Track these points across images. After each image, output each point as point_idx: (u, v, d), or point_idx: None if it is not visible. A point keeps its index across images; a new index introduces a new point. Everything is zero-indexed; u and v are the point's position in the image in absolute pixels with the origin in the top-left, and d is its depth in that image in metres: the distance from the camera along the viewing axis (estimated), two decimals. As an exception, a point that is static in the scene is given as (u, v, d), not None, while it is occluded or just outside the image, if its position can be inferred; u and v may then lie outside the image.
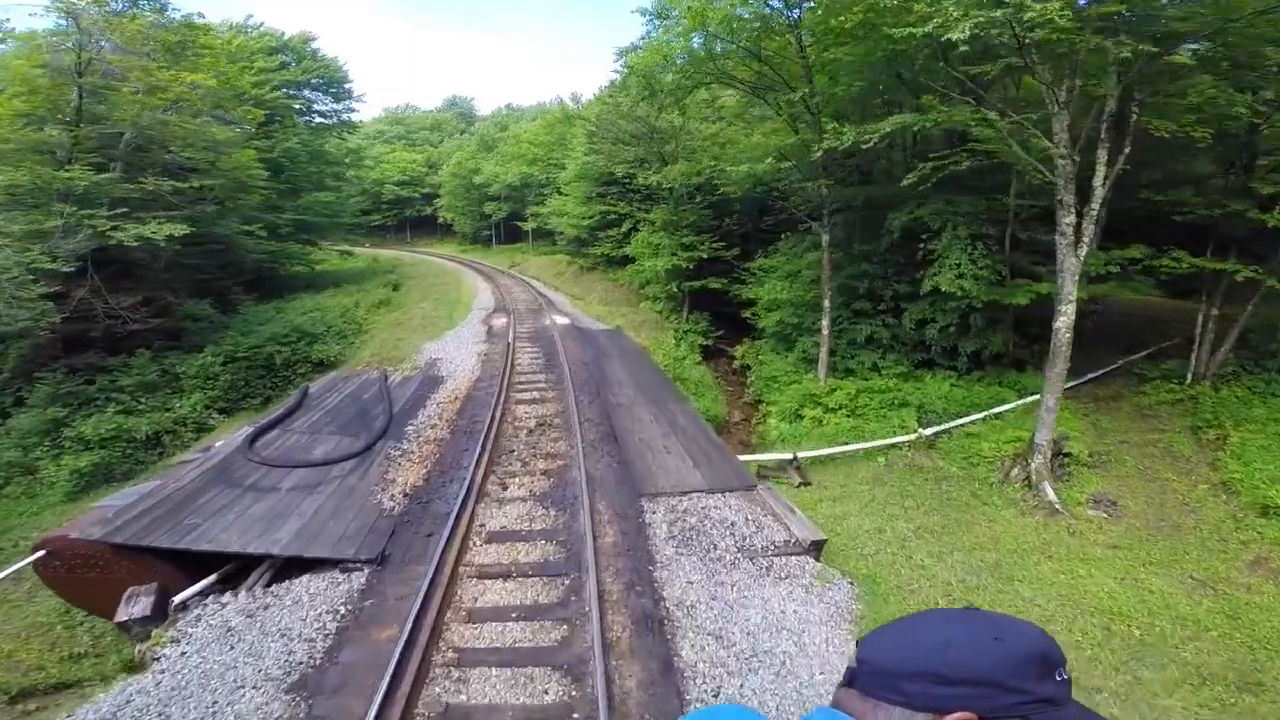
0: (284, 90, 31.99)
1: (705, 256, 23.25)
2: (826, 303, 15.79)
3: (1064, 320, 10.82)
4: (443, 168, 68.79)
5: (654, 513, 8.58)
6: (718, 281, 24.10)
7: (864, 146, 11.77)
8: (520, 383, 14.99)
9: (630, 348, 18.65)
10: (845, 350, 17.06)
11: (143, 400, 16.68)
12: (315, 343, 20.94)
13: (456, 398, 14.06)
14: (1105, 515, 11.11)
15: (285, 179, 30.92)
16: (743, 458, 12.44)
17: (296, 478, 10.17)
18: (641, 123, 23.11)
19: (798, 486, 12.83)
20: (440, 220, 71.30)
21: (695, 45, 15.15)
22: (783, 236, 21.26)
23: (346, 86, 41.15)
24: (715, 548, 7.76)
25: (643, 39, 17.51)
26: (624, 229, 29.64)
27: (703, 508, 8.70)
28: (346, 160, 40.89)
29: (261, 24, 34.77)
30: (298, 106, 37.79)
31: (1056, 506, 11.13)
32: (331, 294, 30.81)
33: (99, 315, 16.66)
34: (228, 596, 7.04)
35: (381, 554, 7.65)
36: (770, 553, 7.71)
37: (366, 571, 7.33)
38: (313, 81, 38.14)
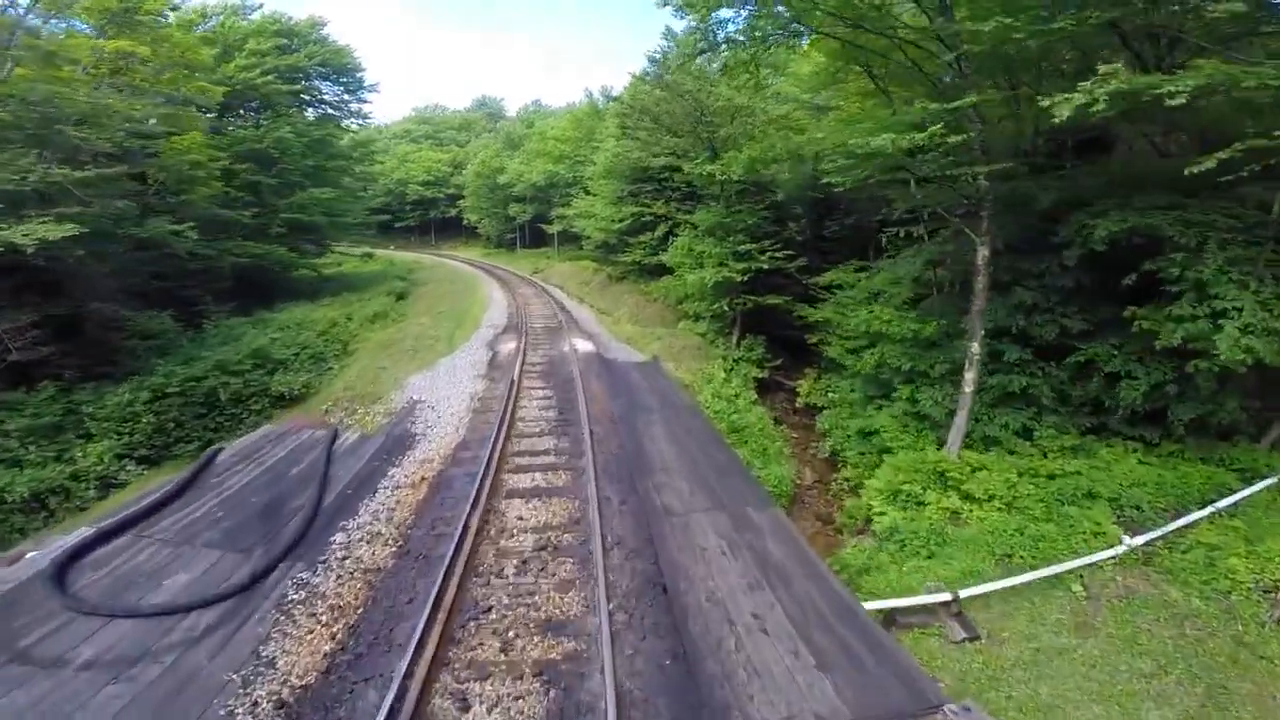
0: (278, 75, 28.31)
1: (765, 268, 18.46)
2: (975, 347, 10.86)
3: None
4: (467, 167, 65.50)
5: None
6: (778, 298, 19.29)
7: (1096, 114, 6.97)
8: (520, 453, 10.46)
9: (675, 394, 13.98)
10: (983, 410, 12.07)
11: (32, 448, 12.68)
12: (277, 371, 16.84)
13: (424, 479, 9.60)
14: None
15: (276, 173, 27.21)
16: (873, 605, 7.72)
17: (113, 637, 5.94)
18: (688, 100, 18.46)
19: (960, 643, 8.00)
20: (465, 222, 67.88)
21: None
22: (883, 245, 16.29)
23: (358, 76, 37.63)
24: None
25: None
26: (659, 233, 25.07)
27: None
28: (355, 154, 37.25)
29: (261, 5, 31.31)
30: (305, 96, 34.33)
31: None
32: (326, 304, 26.97)
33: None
34: None
35: None
36: None
37: None
38: (319, 69, 34.62)
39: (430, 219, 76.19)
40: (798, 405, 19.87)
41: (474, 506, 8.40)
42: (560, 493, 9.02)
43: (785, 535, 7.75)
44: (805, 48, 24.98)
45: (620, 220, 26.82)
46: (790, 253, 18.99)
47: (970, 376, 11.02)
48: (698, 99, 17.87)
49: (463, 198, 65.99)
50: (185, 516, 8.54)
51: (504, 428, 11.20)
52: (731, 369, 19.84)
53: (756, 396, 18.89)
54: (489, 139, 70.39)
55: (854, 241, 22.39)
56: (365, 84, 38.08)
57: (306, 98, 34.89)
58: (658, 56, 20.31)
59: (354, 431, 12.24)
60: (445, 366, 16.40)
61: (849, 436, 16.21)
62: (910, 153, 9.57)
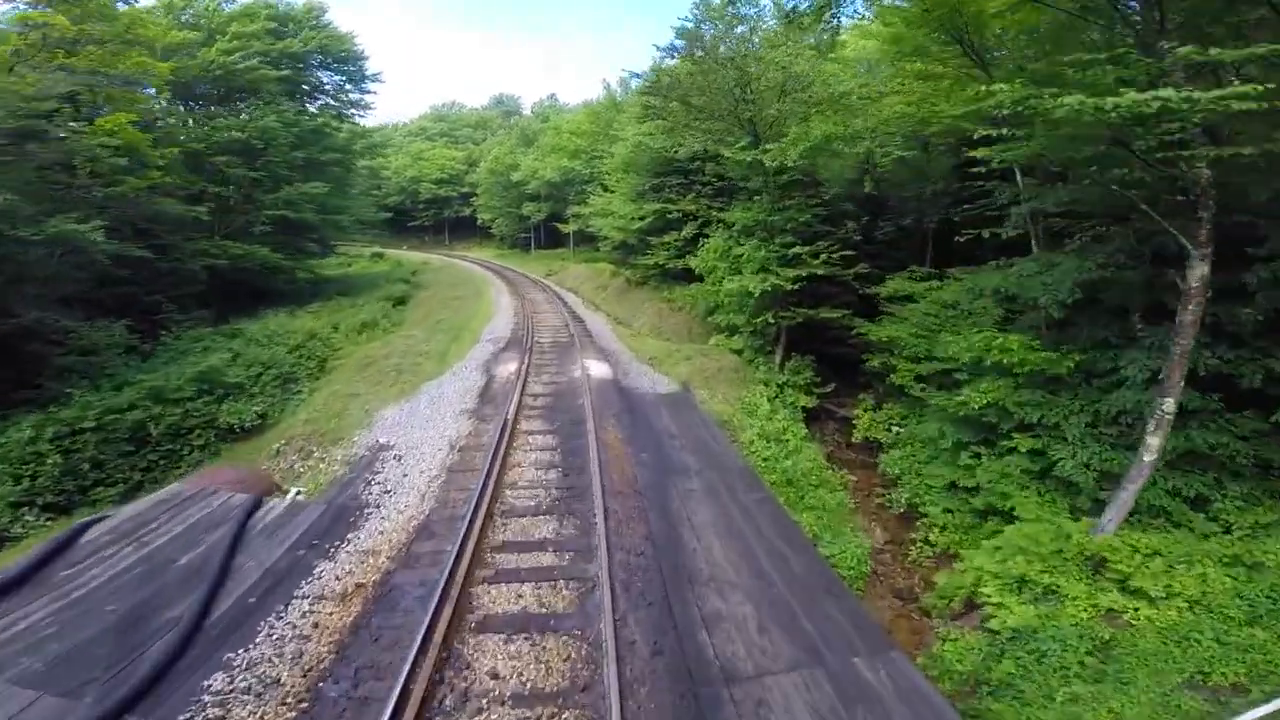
0: (266, 61, 25.64)
1: (820, 273, 15.21)
2: (1169, 404, 7.51)
3: None
4: (480, 164, 63.03)
5: None
6: (833, 311, 16.01)
7: None
8: (504, 547, 7.38)
9: (718, 444, 10.81)
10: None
11: (-104, 504, 9.94)
12: (229, 398, 14.00)
13: (359, 586, 6.58)
14: None
15: (261, 166, 24.55)
16: None
17: None
18: (728, 72, 15.22)
19: None
20: (479, 222, 65.33)
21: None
22: (951, 250, 13.03)
23: (360, 64, 35.04)
24: None
25: None
26: (686, 233, 21.89)
27: None
28: (356, 147, 34.63)
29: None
30: (304, 84, 31.78)
31: None
32: (314, 311, 24.26)
33: None
34: None
35: None
36: None
37: None
38: (318, 56, 32.03)
39: (444, 218, 74.01)
40: (853, 439, 16.57)
41: (424, 648, 5.36)
42: (559, 624, 5.92)
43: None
44: (858, 28, 21.78)
45: (641, 218, 23.70)
46: (849, 254, 15.67)
47: (1155, 442, 7.67)
48: (741, 68, 14.61)
49: (476, 196, 63.54)
50: (2, 630, 5.63)
51: (485, 500, 8.13)
52: (776, 396, 16.59)
53: (806, 430, 15.65)
54: (503, 135, 67.85)
55: (907, 246, 19.02)
56: (368, 73, 35.55)
57: (306, 86, 32.39)
58: (689, 24, 17.09)
59: (282, 498, 9.24)
60: (429, 396, 13.41)
61: (931, 489, 12.91)
62: (1132, 122, 6.20)
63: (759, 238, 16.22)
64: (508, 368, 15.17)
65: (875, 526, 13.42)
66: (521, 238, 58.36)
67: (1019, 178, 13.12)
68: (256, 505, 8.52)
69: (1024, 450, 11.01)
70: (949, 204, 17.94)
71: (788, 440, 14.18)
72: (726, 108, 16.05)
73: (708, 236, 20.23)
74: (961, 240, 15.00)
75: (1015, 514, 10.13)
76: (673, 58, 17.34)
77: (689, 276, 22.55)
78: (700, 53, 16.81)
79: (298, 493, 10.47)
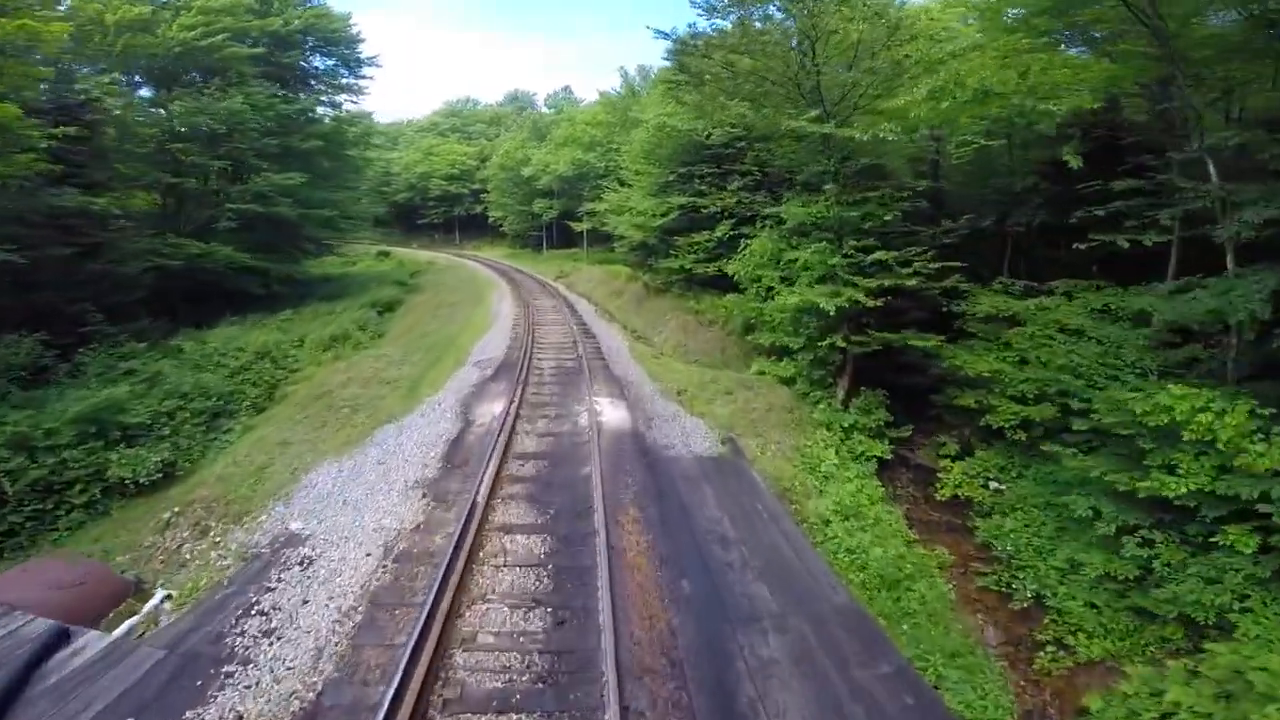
0: (236, 38, 22.40)
1: (910, 285, 11.46)
2: None
3: None
4: (491, 159, 59.89)
5: None
6: (921, 339, 12.25)
7: None
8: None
9: (798, 551, 7.13)
10: None
11: None
12: (126, 442, 10.63)
13: None
14: None
15: (225, 154, 21.32)
16: None
17: None
18: (793, 25, 11.47)
19: None
20: (490, 220, 62.12)
21: None
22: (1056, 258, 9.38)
23: (355, 47, 31.82)
24: None
25: None
26: (720, 233, 18.21)
27: None
28: (349, 136, 31.40)
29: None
30: (286, 65, 28.57)
31: None
32: (283, 319, 21.00)
33: None
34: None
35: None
36: None
37: None
38: (306, 36, 28.82)
39: (454, 216, 70.94)
40: (936, 494, 12.83)
41: None
42: None
43: None
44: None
45: (663, 215, 20.03)
46: (952, 265, 11.89)
47: None
48: (813, 15, 10.81)
49: (487, 194, 60.41)
50: None
51: (417, 675, 4.56)
52: (841, 442, 12.89)
53: (881, 488, 11.94)
54: (515, 130, 64.64)
55: (978, 251, 15.16)
56: (364, 57, 32.33)
57: (296, 70, 29.20)
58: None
59: (154, 600, 5.80)
60: (380, 450, 9.89)
61: (1065, 576, 9.26)
62: None
63: (825, 239, 12.46)
64: (492, 407, 11.60)
65: (983, 621, 9.77)
66: (533, 237, 55.01)
67: (1212, 171, 9.31)
68: (59, 640, 5.08)
69: (1247, 551, 7.27)
70: (1039, 204, 14.20)
71: (864, 508, 10.51)
72: (784, 71, 12.32)
73: (748, 237, 16.53)
74: (1071, 248, 11.30)
75: (1223, 625, 6.41)
76: (717, 15, 13.62)
77: (722, 284, 18.88)
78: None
79: (165, 598, 7.15)
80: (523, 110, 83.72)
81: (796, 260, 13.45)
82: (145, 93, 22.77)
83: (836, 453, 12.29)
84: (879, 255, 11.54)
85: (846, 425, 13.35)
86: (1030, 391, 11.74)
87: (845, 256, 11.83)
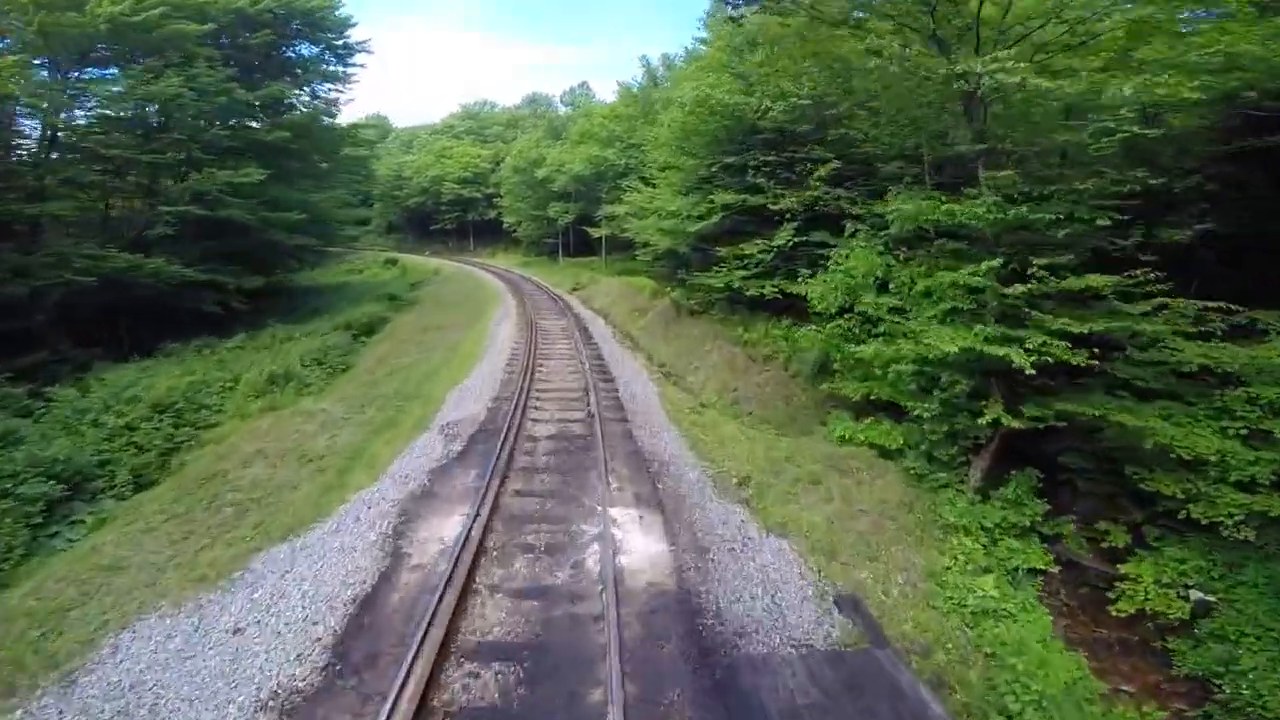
0: (176, 12, 18.49)
1: (1137, 328, 6.75)
2: None
3: None
4: (504, 160, 56.19)
5: None
6: (1135, 413, 7.54)
7: None
8: None
9: None
10: None
11: None
12: None
13: None
14: None
15: (161, 148, 17.41)
16: None
17: None
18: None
19: None
20: (505, 225, 58.31)
21: None
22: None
23: (344, 34, 27.99)
24: None
25: None
26: (781, 240, 13.64)
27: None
28: (339, 134, 27.54)
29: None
30: (277, 52, 24.83)
31: None
32: (223, 351, 17.05)
33: None
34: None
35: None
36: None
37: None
38: (283, 19, 24.98)
39: (468, 221, 67.41)
40: (1113, 607, 8.18)
41: None
42: None
43: None
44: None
45: (702, 216, 15.53)
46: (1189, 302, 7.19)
47: None
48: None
49: (500, 197, 56.72)
50: None
51: None
52: (986, 550, 8.36)
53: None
54: (531, 130, 60.84)
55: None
56: (354, 43, 28.48)
57: (275, 54, 25.45)
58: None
59: None
60: (246, 600, 5.63)
61: None
62: None
63: (981, 254, 7.83)
64: (444, 526, 7.20)
65: None
66: (548, 243, 50.98)
67: None
68: None
69: None
70: (1204, 209, 9.44)
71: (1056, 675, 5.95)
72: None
73: (823, 246, 11.97)
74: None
75: None
76: None
77: (779, 306, 14.38)
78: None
79: None
80: (540, 112, 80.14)
81: (910, 283, 8.87)
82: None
83: (993, 577, 7.70)
84: (1091, 281, 6.85)
85: (989, 525, 8.78)
86: (1265, 476, 7.28)
87: (1026, 281, 7.16)
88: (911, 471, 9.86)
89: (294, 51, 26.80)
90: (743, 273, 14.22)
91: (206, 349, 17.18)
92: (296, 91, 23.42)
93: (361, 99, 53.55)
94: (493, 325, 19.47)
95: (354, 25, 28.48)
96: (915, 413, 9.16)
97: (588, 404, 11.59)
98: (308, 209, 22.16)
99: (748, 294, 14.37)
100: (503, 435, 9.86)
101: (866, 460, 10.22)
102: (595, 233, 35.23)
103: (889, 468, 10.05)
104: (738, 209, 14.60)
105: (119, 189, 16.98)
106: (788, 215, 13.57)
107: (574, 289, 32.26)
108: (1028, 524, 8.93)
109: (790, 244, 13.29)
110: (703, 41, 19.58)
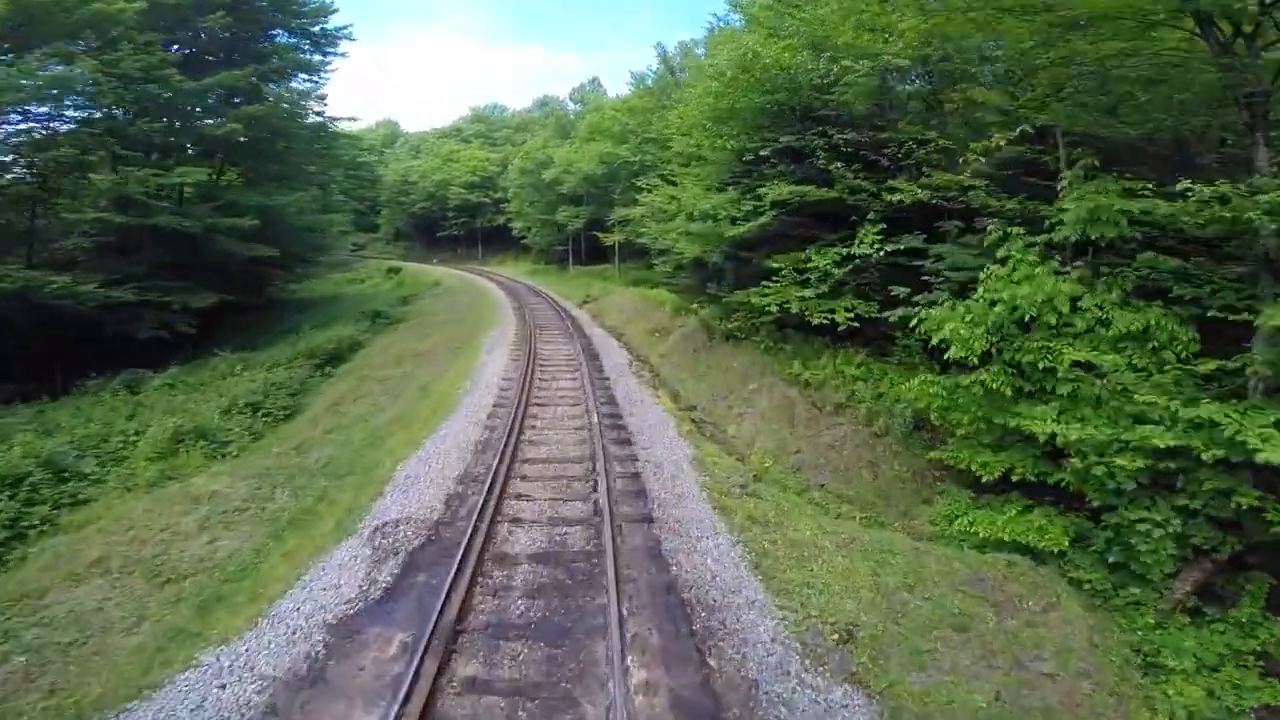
0: None
1: None
2: None
3: None
4: (511, 162, 53.24)
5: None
6: None
7: None
8: None
9: None
10: None
11: None
12: None
13: None
14: None
15: (57, 145, 14.16)
16: None
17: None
18: None
19: None
20: (514, 231, 55.27)
21: None
22: None
23: (323, 20, 24.84)
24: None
25: None
26: (865, 247, 9.92)
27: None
28: (315, 130, 24.32)
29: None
30: (241, 38, 21.63)
31: None
32: (155, 386, 13.74)
33: None
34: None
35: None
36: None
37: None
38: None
39: (476, 228, 64.45)
40: None
41: None
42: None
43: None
44: None
45: (748, 215, 11.84)
46: None
47: None
48: None
49: (508, 202, 53.76)
50: None
51: None
52: (1216, 694, 4.59)
53: None
54: (541, 130, 57.76)
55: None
56: (332, 29, 25.29)
57: (240, 42, 22.27)
58: None
59: None
60: None
61: None
62: None
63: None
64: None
65: None
66: (558, 250, 47.69)
67: None
68: None
69: None
70: None
71: None
72: None
73: (919, 255, 8.26)
74: None
75: None
76: None
77: (847, 332, 10.69)
78: None
79: None
80: (550, 111, 77.04)
81: (1105, 316, 5.18)
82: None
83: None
84: None
85: (1211, 658, 5.15)
86: None
87: None
88: (1088, 587, 6.16)
89: (267, 40, 23.68)
90: (806, 291, 10.50)
91: (125, 388, 13.87)
92: (263, 84, 20.06)
93: (373, 108, 50.96)
94: (483, 353, 15.93)
95: (334, 10, 25.41)
96: (1124, 521, 5.44)
97: (594, 489, 7.97)
98: (270, 215, 18.81)
99: (812, 319, 10.63)
100: (460, 555, 6.28)
101: (1024, 580, 6.49)
102: (607, 239, 31.84)
103: (1055, 585, 6.34)
104: (795, 206, 10.91)
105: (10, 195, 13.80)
106: (869, 214, 9.85)
107: (584, 302, 28.74)
108: (1257, 649, 5.27)
109: (878, 253, 9.57)
110: (735, 4, 15.87)
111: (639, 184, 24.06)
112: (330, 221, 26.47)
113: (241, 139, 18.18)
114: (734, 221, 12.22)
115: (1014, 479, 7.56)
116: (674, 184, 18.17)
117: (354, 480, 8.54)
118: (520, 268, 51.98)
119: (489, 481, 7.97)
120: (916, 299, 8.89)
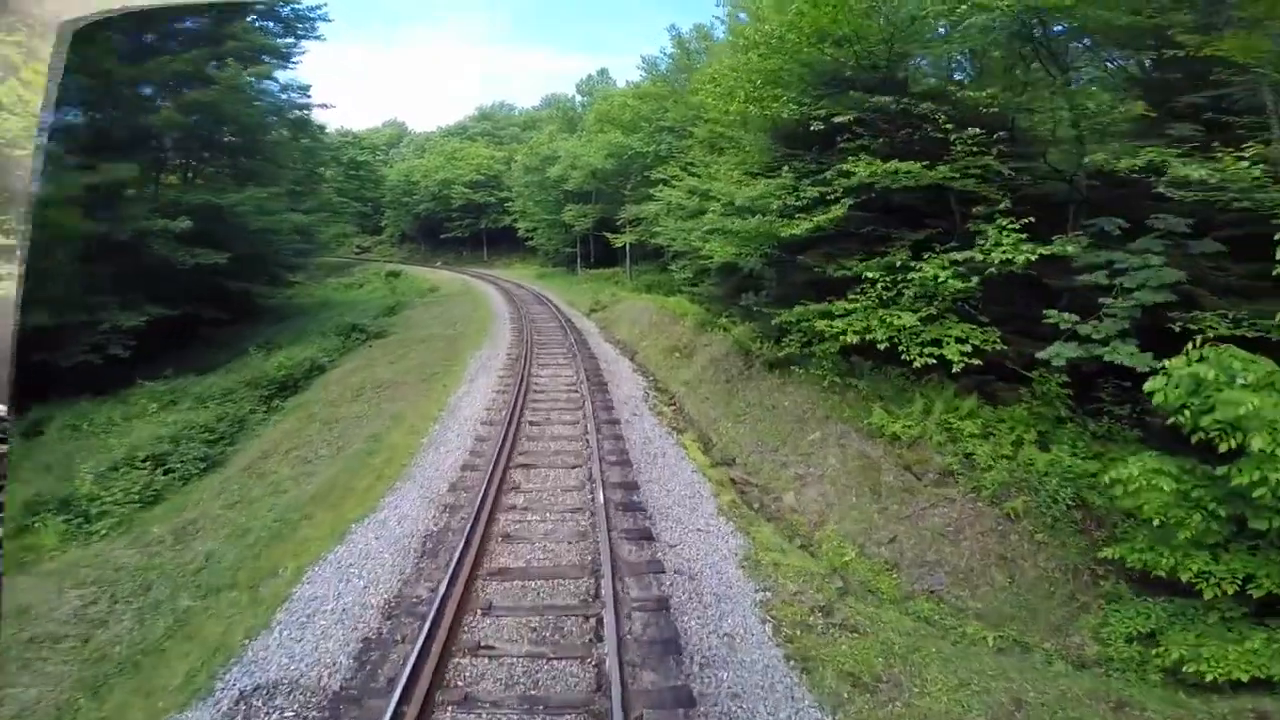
0: None
1: None
2: None
3: None
4: (515, 159, 50.55)
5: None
6: None
7: None
8: None
9: None
10: None
11: None
12: None
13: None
14: None
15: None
16: None
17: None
18: None
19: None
20: (519, 232, 52.55)
21: None
22: None
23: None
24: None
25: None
26: (1003, 250, 6.77)
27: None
28: (290, 117, 21.48)
29: None
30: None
31: None
32: (62, 424, 10.83)
33: None
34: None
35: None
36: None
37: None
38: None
39: (481, 229, 61.80)
40: None
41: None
42: None
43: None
44: None
45: (807, 206, 8.75)
46: None
47: None
48: None
49: (512, 202, 51.10)
50: None
51: None
52: None
53: None
54: (547, 124, 54.94)
55: None
56: (304, 10, 22.42)
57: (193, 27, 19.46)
58: None
59: None
60: None
61: None
62: None
63: None
64: None
65: None
66: (566, 253, 44.82)
67: None
68: None
69: None
70: None
71: None
72: None
73: (1096, 271, 5.17)
74: None
75: None
76: None
77: (978, 371, 7.58)
78: None
79: None
80: (557, 106, 74.13)
81: None
82: None
83: None
84: None
85: None
86: None
87: None
88: None
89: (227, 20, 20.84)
90: (904, 315, 7.34)
91: (21, 434, 11.02)
92: (219, 70, 17.12)
93: (383, 111, 48.51)
94: (465, 382, 12.93)
95: (312, -11, 22.57)
96: None
97: (598, 638, 4.90)
98: (219, 215, 15.90)
99: (913, 359, 7.46)
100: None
101: None
102: (617, 240, 28.87)
103: None
104: (881, 192, 7.78)
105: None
106: (1001, 206, 6.73)
107: (592, 310, 25.75)
108: None
109: (1024, 259, 6.42)
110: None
111: (653, 176, 21.01)
112: (309, 222, 23.53)
113: (186, 130, 15.27)
114: (788, 215, 9.09)
115: (1252, 593, 4.52)
116: (696, 176, 15.11)
117: (232, 599, 5.57)
118: (526, 271, 49.19)
119: (430, 616, 4.94)
120: (1080, 327, 5.79)
